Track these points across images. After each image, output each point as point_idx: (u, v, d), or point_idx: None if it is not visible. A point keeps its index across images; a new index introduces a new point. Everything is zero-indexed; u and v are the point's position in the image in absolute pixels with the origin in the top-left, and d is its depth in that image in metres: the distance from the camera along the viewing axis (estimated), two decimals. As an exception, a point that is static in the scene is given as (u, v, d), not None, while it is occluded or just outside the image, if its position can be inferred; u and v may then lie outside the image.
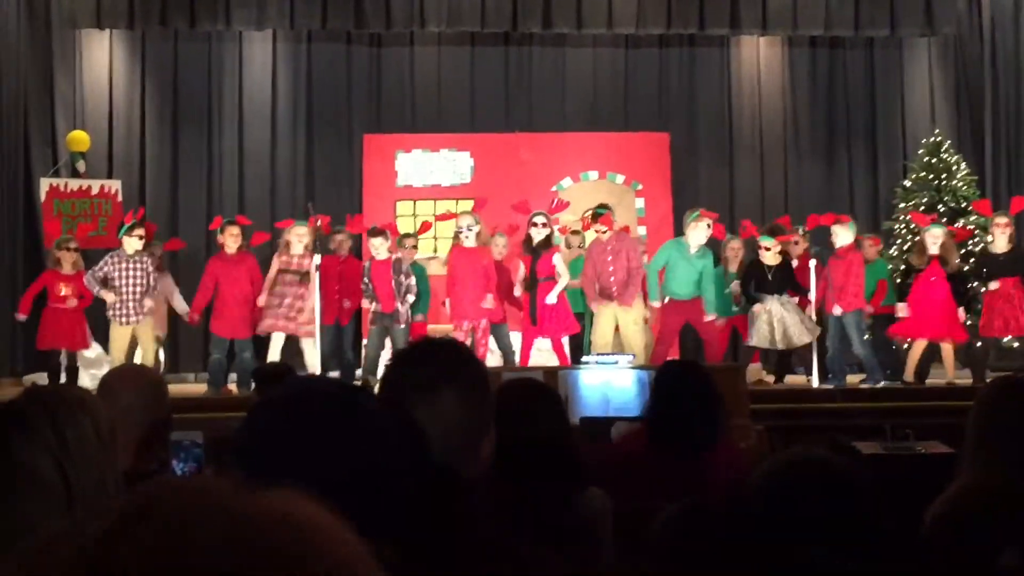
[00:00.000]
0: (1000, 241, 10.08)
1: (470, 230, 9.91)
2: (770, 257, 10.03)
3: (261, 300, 9.85)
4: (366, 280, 9.86)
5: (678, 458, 3.66)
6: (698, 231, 9.90)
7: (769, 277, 9.94)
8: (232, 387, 10.07)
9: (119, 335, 9.70)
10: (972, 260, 10.75)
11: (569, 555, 2.67)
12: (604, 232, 9.92)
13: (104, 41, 12.79)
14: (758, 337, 9.97)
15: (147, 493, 0.65)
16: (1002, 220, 10.13)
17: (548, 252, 9.92)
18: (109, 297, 9.62)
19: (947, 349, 10.00)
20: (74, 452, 1.79)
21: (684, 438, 3.72)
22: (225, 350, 10.04)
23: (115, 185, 11.61)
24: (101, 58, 12.82)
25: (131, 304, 9.65)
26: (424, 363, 1.96)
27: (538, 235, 9.90)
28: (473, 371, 1.98)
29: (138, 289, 9.68)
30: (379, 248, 9.97)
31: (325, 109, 13.22)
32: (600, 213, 9.97)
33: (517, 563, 1.65)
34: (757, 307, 9.93)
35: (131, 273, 9.68)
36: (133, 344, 9.81)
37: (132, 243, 9.75)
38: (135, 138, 12.87)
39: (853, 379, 10.24)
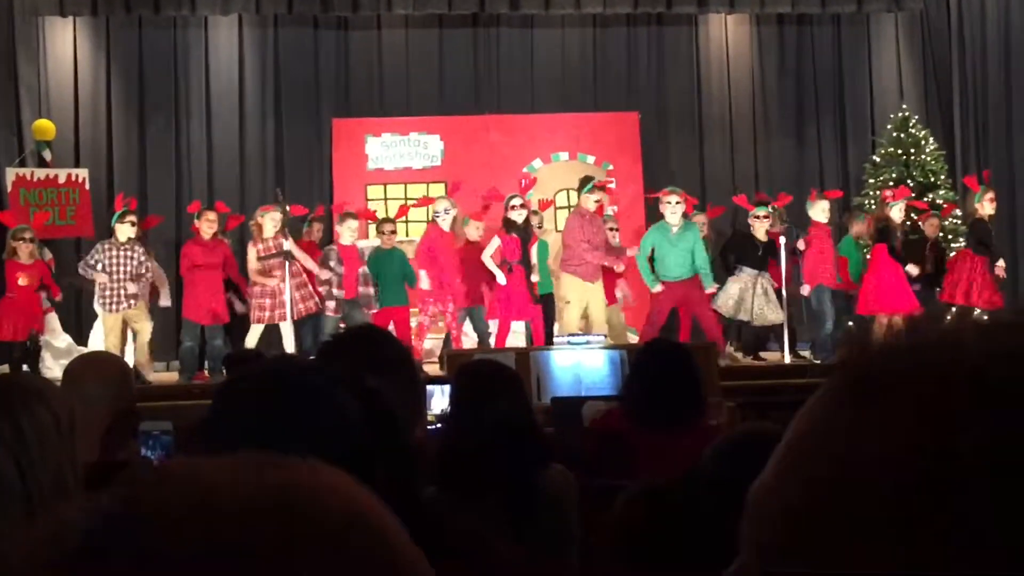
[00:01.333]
0: (985, 210, 10.27)
1: (447, 213, 9.95)
2: (760, 230, 10.11)
3: (249, 289, 9.85)
4: (332, 265, 9.86)
5: (659, 436, 3.66)
6: (672, 210, 9.93)
7: (759, 251, 10.00)
8: (205, 374, 10.06)
9: (111, 323, 9.68)
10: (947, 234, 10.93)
11: (536, 532, 2.68)
12: (598, 202, 9.96)
13: (68, 28, 12.68)
14: (723, 303, 10.00)
15: (163, 477, 0.62)
16: (990, 194, 10.29)
17: (534, 237, 10.00)
18: (101, 278, 9.58)
19: (897, 321, 10.12)
20: (31, 445, 1.76)
21: (666, 416, 3.72)
22: (197, 337, 10.02)
23: (82, 173, 11.54)
24: (65, 45, 12.71)
25: (120, 292, 9.63)
26: (345, 354, 1.98)
27: (518, 216, 9.93)
28: (395, 357, 2.00)
29: (130, 277, 9.66)
30: (353, 232, 9.98)
31: (293, 94, 13.17)
32: (589, 181, 10.01)
33: (486, 552, 1.66)
34: (736, 278, 9.99)
35: (122, 260, 9.66)
36: (124, 332, 9.79)
37: (124, 230, 9.74)
38: (102, 126, 12.78)
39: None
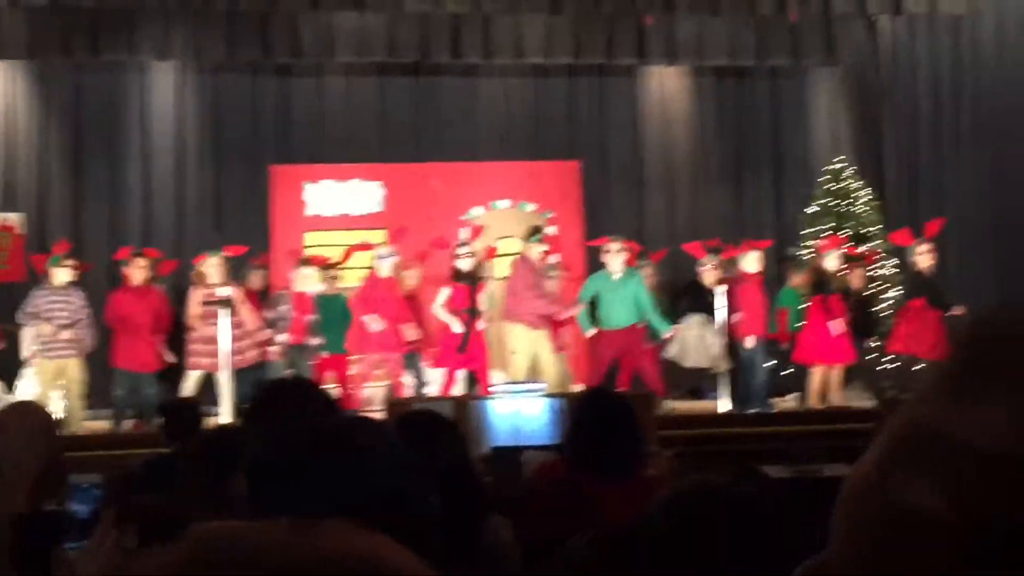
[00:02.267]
0: (925, 265, 10.38)
1: (387, 258, 9.92)
2: (711, 278, 10.19)
3: (188, 333, 9.72)
4: (282, 310, 9.76)
5: (600, 487, 3.64)
6: (613, 257, 9.97)
7: (709, 297, 10.07)
8: (137, 423, 9.87)
9: (44, 370, 9.46)
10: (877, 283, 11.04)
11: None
12: (544, 252, 10.00)
13: (3, 72, 12.51)
14: (679, 351, 10.07)
15: (200, 544, 0.63)
16: (924, 247, 10.39)
17: (480, 284, 9.98)
18: (46, 330, 9.38)
19: (837, 372, 10.22)
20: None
21: (606, 467, 3.69)
22: (128, 385, 9.84)
23: (15, 218, 11.35)
24: (0, 89, 12.54)
25: (57, 339, 9.43)
26: (275, 406, 2.01)
27: (465, 264, 9.91)
28: (324, 408, 2.03)
29: (67, 323, 9.47)
30: (309, 278, 9.86)
31: (233, 140, 13.09)
32: (538, 231, 10.05)
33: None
34: (684, 324, 10.04)
35: (59, 306, 9.48)
36: (57, 380, 9.56)
37: (62, 274, 9.57)
38: (35, 170, 12.60)
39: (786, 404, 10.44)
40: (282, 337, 9.76)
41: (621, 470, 3.65)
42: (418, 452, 3.06)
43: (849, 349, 10.10)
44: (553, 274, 10.54)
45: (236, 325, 9.66)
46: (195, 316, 9.76)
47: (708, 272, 10.32)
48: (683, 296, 10.35)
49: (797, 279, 11.15)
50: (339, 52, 12.40)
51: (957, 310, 10.22)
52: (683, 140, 13.84)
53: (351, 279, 11.47)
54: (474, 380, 10.11)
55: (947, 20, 13.25)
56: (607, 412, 3.80)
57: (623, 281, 9.92)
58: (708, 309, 10.09)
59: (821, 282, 10.19)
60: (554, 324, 10.22)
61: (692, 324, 10.17)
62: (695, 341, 10.10)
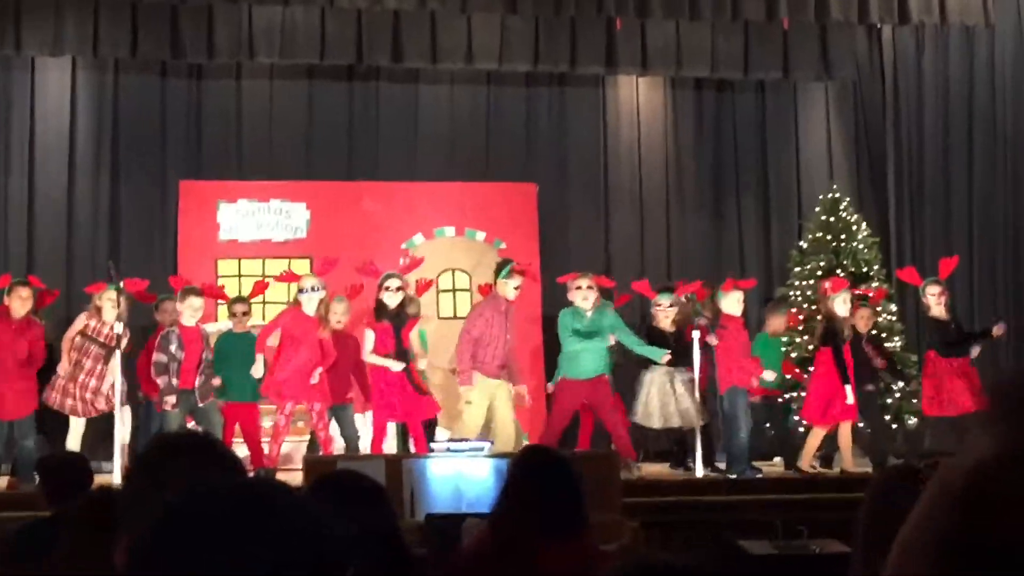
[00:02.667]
0: (937, 310, 10.46)
1: (313, 291, 9.82)
2: (666, 321, 10.17)
3: (61, 369, 9.60)
4: (172, 350, 9.64)
5: (530, 552, 3.66)
6: (584, 295, 9.96)
7: (670, 343, 10.04)
8: (8, 481, 9.69)
9: None
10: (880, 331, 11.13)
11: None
12: (517, 288, 9.97)
13: None
14: (644, 412, 10.04)
15: None
16: (935, 289, 10.48)
17: (410, 322, 9.94)
18: None
19: (845, 430, 10.23)
20: None
21: (540, 537, 3.71)
22: (2, 436, 9.69)
23: None
24: None
25: None
26: (165, 466, 2.01)
27: (392, 300, 9.84)
28: (220, 465, 2.03)
29: None
30: (196, 311, 9.79)
31: (134, 150, 13.00)
32: (508, 265, 10.05)
33: None
34: (648, 376, 10.03)
35: None
36: None
37: None
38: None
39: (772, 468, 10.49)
40: (175, 381, 9.63)
41: (555, 541, 3.67)
42: (336, 519, 3.04)
43: (853, 409, 10.12)
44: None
45: (100, 376, 9.60)
46: (68, 339, 9.66)
47: (662, 313, 10.32)
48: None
49: (776, 323, 11.15)
50: (260, 52, 12.34)
51: (975, 352, 10.34)
52: (656, 161, 13.89)
53: (271, 315, 11.39)
54: (408, 435, 10.05)
55: (959, 31, 13.43)
56: (539, 475, 3.84)
57: (595, 320, 9.92)
58: (672, 359, 10.06)
59: (832, 331, 10.18)
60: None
61: (653, 378, 10.13)
62: (661, 398, 10.06)
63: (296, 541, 1.42)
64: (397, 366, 9.66)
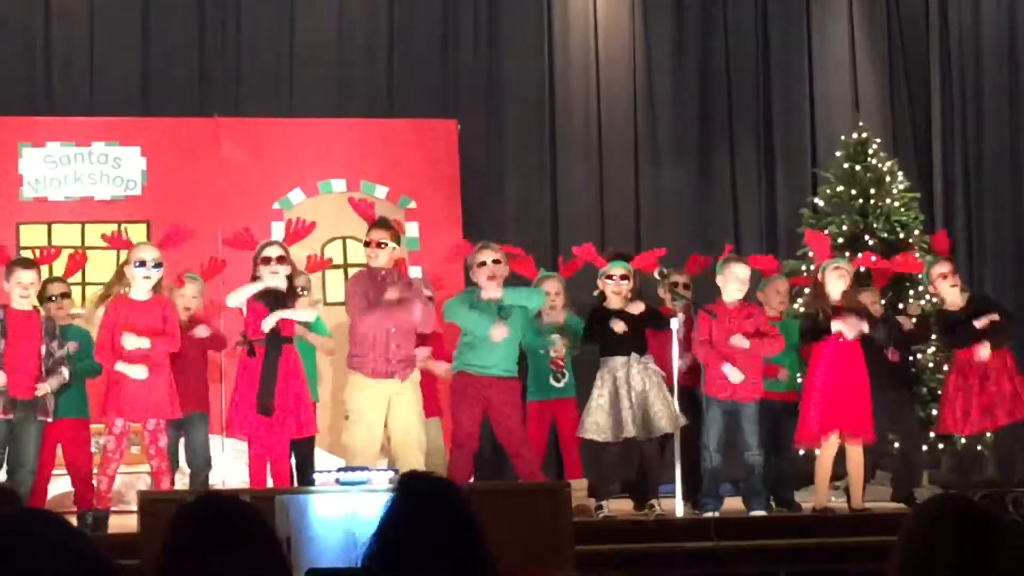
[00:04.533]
0: (950, 296, 10.44)
1: (152, 268, 9.62)
2: (617, 296, 10.04)
3: None
4: None
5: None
6: (489, 271, 9.88)
7: (627, 327, 9.91)
8: None
9: None
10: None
11: None
12: (393, 258, 9.90)
13: None
14: (590, 421, 9.93)
15: None
16: (944, 268, 10.43)
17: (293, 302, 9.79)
18: None
19: (856, 457, 10.16)
20: None
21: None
22: None
23: None
24: None
25: None
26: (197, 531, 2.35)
27: (274, 278, 9.65)
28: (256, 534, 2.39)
29: None
30: (28, 290, 9.61)
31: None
32: (385, 224, 9.92)
33: None
34: (599, 381, 9.92)
35: None
36: None
37: None
38: None
39: (735, 503, 10.34)
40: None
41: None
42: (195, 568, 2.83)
43: (869, 422, 10.08)
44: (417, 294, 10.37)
45: None
46: None
47: (612, 288, 10.21)
48: (588, 328, 10.21)
49: (775, 300, 11.04)
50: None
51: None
52: (620, 92, 13.90)
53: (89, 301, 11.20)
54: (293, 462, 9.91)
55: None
56: (417, 510, 3.79)
57: (503, 304, 9.83)
58: (629, 345, 9.96)
59: (813, 315, 10.19)
60: (423, 374, 10.13)
61: (607, 376, 10.01)
62: (624, 399, 9.95)
63: None
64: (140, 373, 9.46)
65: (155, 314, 9.61)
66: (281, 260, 9.78)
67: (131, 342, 9.42)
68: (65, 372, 9.64)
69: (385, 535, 3.76)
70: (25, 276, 9.69)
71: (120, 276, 9.78)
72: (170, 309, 9.72)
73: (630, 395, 9.94)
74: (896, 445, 10.84)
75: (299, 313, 9.66)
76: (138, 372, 9.44)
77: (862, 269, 11.08)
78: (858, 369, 10.02)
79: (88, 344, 9.96)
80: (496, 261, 9.94)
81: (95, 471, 9.80)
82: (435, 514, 3.76)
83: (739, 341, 10.00)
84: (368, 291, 9.83)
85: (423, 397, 10.06)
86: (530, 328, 10.24)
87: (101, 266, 11.19)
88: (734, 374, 10.04)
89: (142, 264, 9.72)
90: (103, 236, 10.74)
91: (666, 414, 9.90)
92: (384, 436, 9.81)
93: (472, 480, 9.79)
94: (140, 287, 9.70)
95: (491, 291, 9.82)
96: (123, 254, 10.21)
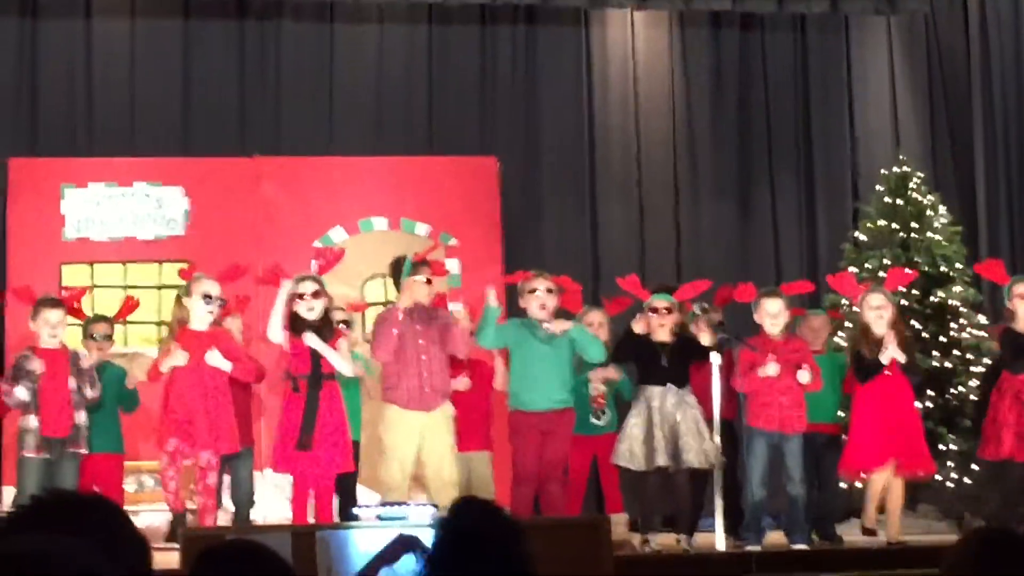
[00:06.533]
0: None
1: (215, 304, 9.72)
2: (662, 328, 10.05)
3: None
4: (30, 384, 9.53)
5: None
6: (539, 301, 9.88)
7: (663, 360, 9.93)
8: None
9: None
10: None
11: None
12: (429, 283, 9.88)
13: None
14: (623, 449, 9.93)
15: None
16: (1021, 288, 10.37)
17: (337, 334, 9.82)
18: None
19: (897, 489, 10.15)
20: None
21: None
22: None
23: None
24: None
25: None
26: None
27: (309, 312, 9.69)
28: None
29: None
30: (56, 329, 9.68)
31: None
32: (405, 260, 9.91)
33: None
34: (635, 409, 9.94)
35: None
36: None
37: None
38: None
39: (776, 537, 10.31)
40: (34, 423, 9.52)
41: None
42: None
43: (923, 448, 10.07)
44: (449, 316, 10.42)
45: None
46: None
47: (657, 320, 10.20)
48: (621, 356, 10.23)
49: (813, 336, 11.02)
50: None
51: None
52: (659, 128, 13.90)
53: (135, 340, 11.27)
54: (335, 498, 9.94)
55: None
56: (468, 540, 3.91)
57: (552, 336, 9.83)
58: (666, 375, 9.97)
59: (859, 354, 10.14)
60: (469, 407, 10.17)
61: (642, 407, 10.01)
62: (659, 428, 9.96)
63: None
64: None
65: (219, 346, 9.71)
66: (316, 295, 9.84)
67: (214, 359, 9.51)
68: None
69: (437, 561, 3.92)
70: (52, 316, 9.77)
71: (180, 308, 9.88)
72: (233, 341, 9.83)
73: (663, 425, 9.95)
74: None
75: (338, 361, 9.70)
76: (179, 358, 9.52)
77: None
78: (907, 400, 10.01)
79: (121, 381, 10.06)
80: (549, 291, 9.96)
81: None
82: (490, 541, 3.88)
83: (803, 377, 10.00)
84: (394, 327, 9.86)
85: (472, 430, 10.09)
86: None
87: (142, 305, 11.20)
88: (772, 367, 10.03)
89: (208, 298, 9.82)
90: (182, 274, 10.78)
91: (695, 448, 9.89)
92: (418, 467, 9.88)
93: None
94: (202, 321, 9.79)
95: (560, 324, 9.85)
96: (164, 293, 10.25)
